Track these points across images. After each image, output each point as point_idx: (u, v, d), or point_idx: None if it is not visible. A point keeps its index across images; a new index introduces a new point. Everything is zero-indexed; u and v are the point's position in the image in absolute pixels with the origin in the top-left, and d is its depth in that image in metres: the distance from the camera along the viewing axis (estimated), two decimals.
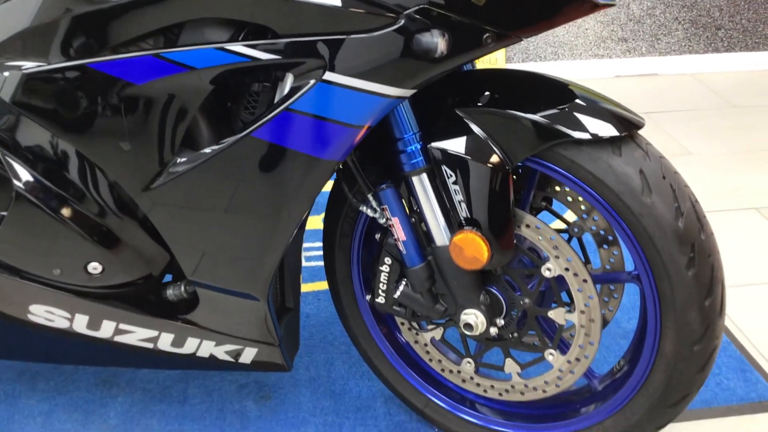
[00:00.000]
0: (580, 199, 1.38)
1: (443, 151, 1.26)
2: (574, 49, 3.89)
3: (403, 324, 1.56)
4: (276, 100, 1.16)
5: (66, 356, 1.50)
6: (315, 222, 2.46)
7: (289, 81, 1.15)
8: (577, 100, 1.25)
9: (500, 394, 1.51)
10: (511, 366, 1.47)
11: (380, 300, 1.47)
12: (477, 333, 1.38)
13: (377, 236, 1.44)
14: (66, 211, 1.24)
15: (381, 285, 1.45)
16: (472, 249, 1.28)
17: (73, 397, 1.75)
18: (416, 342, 1.56)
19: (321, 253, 2.27)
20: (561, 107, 1.24)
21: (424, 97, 1.30)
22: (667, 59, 3.95)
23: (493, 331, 1.39)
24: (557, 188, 1.38)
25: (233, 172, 1.18)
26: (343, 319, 1.64)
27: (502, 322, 1.40)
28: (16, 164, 1.21)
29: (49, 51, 1.14)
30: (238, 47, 1.10)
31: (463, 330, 1.39)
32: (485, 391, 1.52)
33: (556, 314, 1.36)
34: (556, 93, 1.28)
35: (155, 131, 1.16)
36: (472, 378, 1.53)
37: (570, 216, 1.50)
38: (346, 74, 1.12)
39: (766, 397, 1.76)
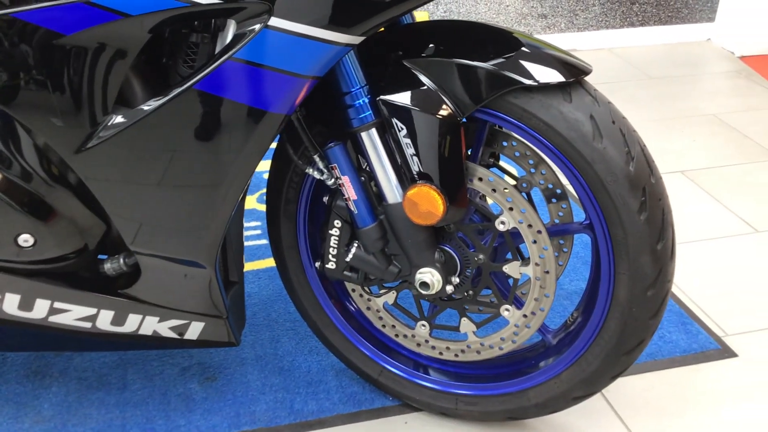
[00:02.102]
0: (528, 153, 1.36)
1: (393, 104, 1.22)
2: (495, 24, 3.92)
3: (354, 291, 1.51)
4: (218, 50, 1.10)
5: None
6: (250, 202, 2.38)
7: (231, 28, 1.09)
8: (523, 48, 1.24)
9: (456, 355, 1.49)
10: (466, 325, 1.45)
11: (330, 266, 1.42)
12: (433, 292, 1.35)
13: (325, 199, 1.40)
14: None
15: (331, 250, 1.40)
16: (427, 203, 1.25)
17: (1, 391, 1.63)
18: (368, 309, 1.52)
19: (257, 232, 2.22)
20: (507, 55, 1.22)
21: (369, 50, 1.26)
22: (585, 35, 4.03)
23: (449, 289, 1.36)
24: (504, 143, 1.37)
25: (174, 129, 1.11)
26: (291, 291, 1.58)
27: (458, 280, 1.37)
28: None
29: None
30: None
31: (419, 290, 1.36)
32: (441, 353, 1.50)
33: (511, 268, 1.35)
34: (501, 41, 1.26)
35: (87, 87, 1.08)
36: (427, 341, 1.50)
37: (514, 172, 1.49)
38: (292, 20, 1.07)
39: (707, 347, 1.80)
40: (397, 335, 1.53)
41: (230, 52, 1.07)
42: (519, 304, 1.40)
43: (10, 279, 1.24)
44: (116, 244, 1.30)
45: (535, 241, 1.31)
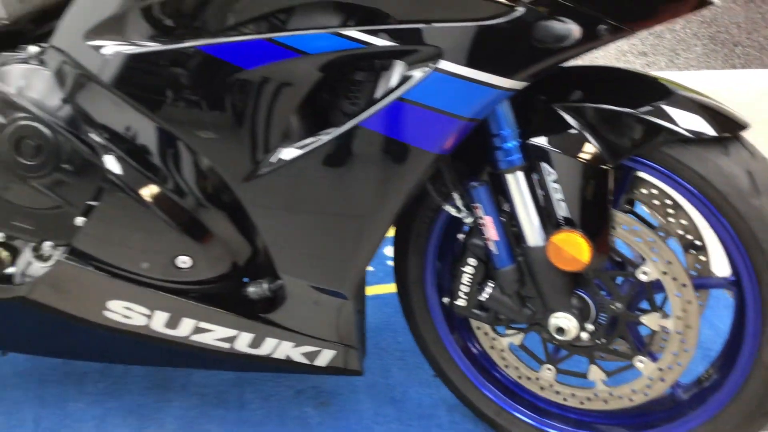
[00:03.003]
0: (668, 202, 1.34)
1: (543, 149, 1.23)
2: (595, 62, 3.89)
3: (479, 329, 1.51)
4: (385, 90, 1.12)
5: (121, 355, 1.45)
6: None
7: (399, 69, 1.11)
8: (673, 96, 1.23)
9: (581, 403, 1.46)
10: (595, 373, 1.43)
11: (460, 303, 1.42)
12: (568, 338, 1.34)
13: (460, 236, 1.40)
14: (159, 202, 1.19)
15: (462, 287, 1.41)
16: (573, 249, 1.24)
17: (126, 401, 1.69)
18: (492, 348, 1.52)
19: None
20: (659, 103, 1.21)
21: (518, 93, 1.26)
22: (686, 74, 3.96)
23: (584, 336, 1.35)
24: (644, 190, 1.35)
25: (338, 163, 1.14)
26: (412, 324, 1.59)
27: (592, 327, 1.36)
28: (110, 152, 1.16)
29: (154, 32, 1.09)
30: (354, 32, 1.06)
31: (554, 335, 1.35)
32: (565, 399, 1.48)
33: (650, 320, 1.33)
34: (648, 87, 1.26)
35: (260, 119, 1.12)
36: (551, 386, 1.48)
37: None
38: (461, 63, 1.08)
39: None
40: (520, 377, 1.52)
41: (397, 92, 1.10)
42: (654, 356, 1.37)
43: (163, 297, 1.28)
44: (258, 269, 1.33)
45: (678, 294, 1.28)
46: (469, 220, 1.36)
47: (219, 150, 1.14)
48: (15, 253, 1.34)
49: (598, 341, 1.38)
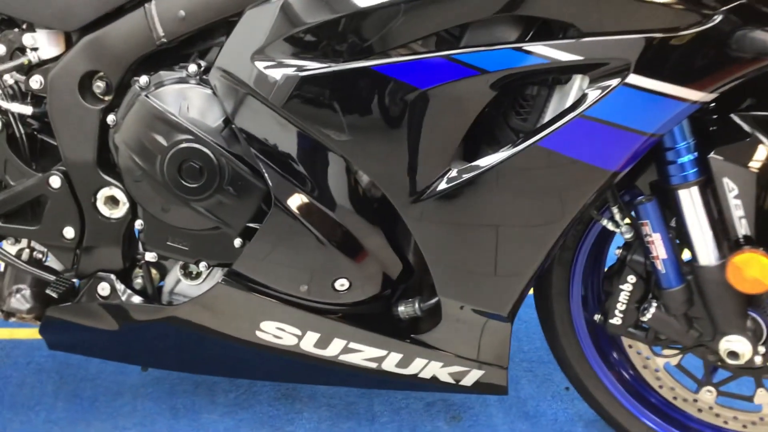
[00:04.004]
0: None
1: (725, 163, 1.14)
2: None
3: (630, 347, 1.44)
4: (562, 106, 1.06)
5: (262, 372, 1.43)
6: None
7: (579, 84, 1.04)
8: None
9: (744, 426, 1.38)
10: (762, 396, 1.34)
11: (615, 321, 1.35)
12: (742, 362, 1.25)
13: (617, 252, 1.33)
14: (321, 224, 1.15)
15: (619, 305, 1.33)
16: (756, 270, 1.16)
17: (256, 412, 1.67)
18: (645, 367, 1.44)
19: None
20: None
21: None
22: None
23: (758, 359, 1.27)
24: None
25: (511, 183, 1.09)
26: (552, 338, 1.52)
27: (764, 349, 1.27)
28: (276, 174, 1.12)
29: (325, 52, 1.05)
30: (537, 47, 1.00)
31: (725, 359, 1.26)
32: (725, 422, 1.40)
33: None
34: None
35: (432, 139, 1.07)
36: (711, 408, 1.40)
37: None
38: (651, 77, 1.01)
39: None
40: (675, 398, 1.44)
41: (580, 109, 1.03)
42: None
43: (316, 318, 1.25)
44: (408, 289, 1.29)
45: None
46: (628, 235, 1.28)
47: (387, 171, 1.09)
48: (162, 271, 1.33)
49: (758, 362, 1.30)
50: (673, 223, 1.24)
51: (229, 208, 1.16)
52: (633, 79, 1.01)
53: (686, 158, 1.17)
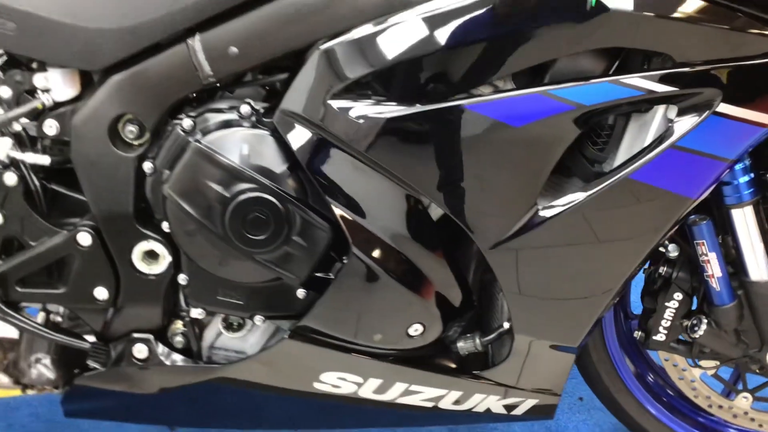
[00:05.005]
0: None
1: None
2: None
3: (667, 360, 1.45)
4: (648, 137, 1.04)
5: (310, 422, 1.34)
6: None
7: (664, 114, 1.03)
8: None
9: None
10: None
11: (659, 338, 1.35)
12: None
13: (662, 270, 1.34)
14: (400, 270, 1.08)
15: (664, 322, 1.34)
16: None
17: None
18: (681, 378, 1.46)
19: None
20: None
21: None
22: None
23: None
24: None
25: (596, 217, 1.06)
26: (582, 353, 1.52)
27: None
28: (353, 221, 1.04)
29: (411, 92, 0.98)
30: (634, 80, 0.97)
31: None
32: (760, 425, 1.44)
33: None
34: None
35: (523, 178, 1.02)
36: (746, 413, 1.44)
37: None
38: (738, 105, 1.01)
39: None
40: (710, 406, 1.47)
41: (671, 139, 1.01)
42: None
43: (379, 365, 1.18)
44: (469, 325, 1.25)
45: None
46: (674, 254, 1.29)
47: (475, 213, 1.04)
48: (200, 326, 1.22)
49: None
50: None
51: (296, 258, 1.07)
52: (722, 107, 1.00)
53: (743, 179, 1.18)
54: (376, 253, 1.06)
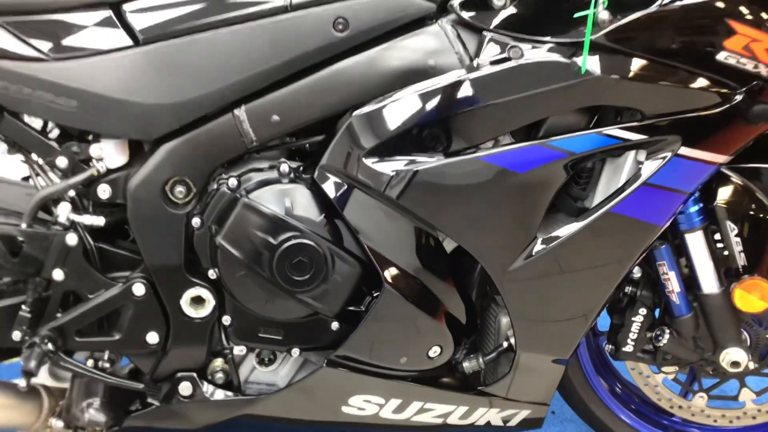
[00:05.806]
0: None
1: (727, 210, 1.39)
2: None
3: (633, 369, 1.66)
4: (624, 176, 1.25)
5: None
6: None
7: (635, 157, 1.24)
8: None
9: (730, 422, 1.65)
10: (746, 394, 1.61)
11: (627, 349, 1.56)
12: (742, 369, 1.51)
13: (627, 289, 1.54)
14: (424, 300, 1.25)
15: (631, 335, 1.55)
16: (760, 293, 1.42)
17: None
18: (645, 384, 1.67)
19: None
20: None
21: None
22: None
23: (752, 365, 1.53)
24: None
25: (586, 245, 1.26)
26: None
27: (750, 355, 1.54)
28: (385, 259, 1.21)
29: (434, 147, 1.16)
30: (614, 131, 1.18)
31: (727, 368, 1.51)
32: (715, 421, 1.66)
33: None
34: None
35: (525, 216, 1.21)
36: (702, 411, 1.66)
37: None
38: (695, 147, 1.23)
39: None
40: (672, 407, 1.68)
41: (643, 178, 1.23)
42: None
43: (400, 385, 1.33)
44: (474, 344, 1.41)
45: None
46: (638, 275, 1.50)
47: (488, 246, 1.22)
48: (237, 362, 1.34)
49: (751, 367, 1.57)
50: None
51: (332, 294, 1.22)
52: (682, 150, 1.23)
53: (693, 209, 1.41)
54: (403, 286, 1.23)
